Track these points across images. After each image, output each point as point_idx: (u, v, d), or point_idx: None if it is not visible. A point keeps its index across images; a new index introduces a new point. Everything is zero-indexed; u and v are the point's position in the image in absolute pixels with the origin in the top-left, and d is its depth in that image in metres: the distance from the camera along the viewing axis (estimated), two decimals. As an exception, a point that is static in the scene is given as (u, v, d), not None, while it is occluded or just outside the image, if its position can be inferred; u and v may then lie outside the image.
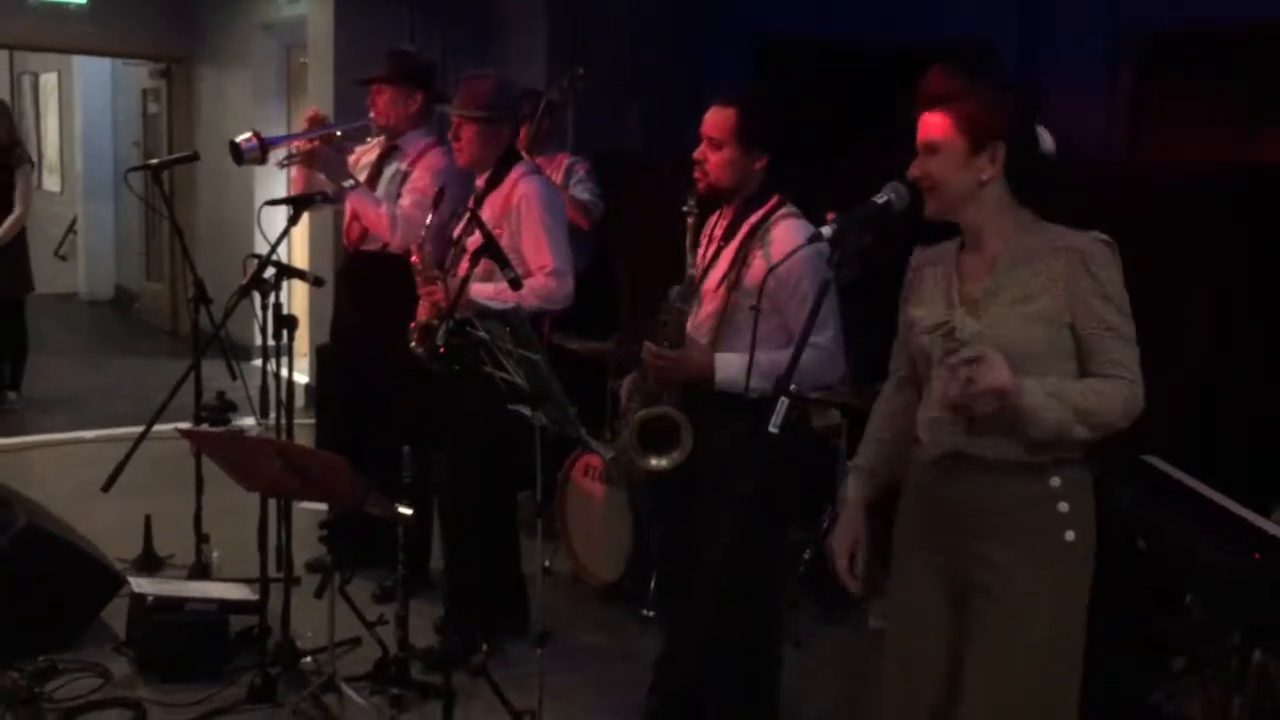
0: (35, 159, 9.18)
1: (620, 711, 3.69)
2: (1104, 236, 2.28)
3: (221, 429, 4.55)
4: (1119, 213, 3.08)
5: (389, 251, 4.26)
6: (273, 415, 3.79)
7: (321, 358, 5.52)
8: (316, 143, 4.31)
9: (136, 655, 3.84)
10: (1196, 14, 5.09)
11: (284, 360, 3.74)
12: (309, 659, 3.81)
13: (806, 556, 4.64)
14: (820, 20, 6.16)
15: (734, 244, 3.03)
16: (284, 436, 3.72)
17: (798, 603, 4.35)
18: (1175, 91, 5.29)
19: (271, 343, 3.72)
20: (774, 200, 3.04)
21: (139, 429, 3.65)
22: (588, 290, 4.13)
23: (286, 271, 3.79)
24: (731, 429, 2.85)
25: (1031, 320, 2.25)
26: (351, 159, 4.53)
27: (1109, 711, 3.50)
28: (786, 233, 2.95)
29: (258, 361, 3.84)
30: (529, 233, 3.81)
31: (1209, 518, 2.90)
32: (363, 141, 4.58)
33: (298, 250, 7.53)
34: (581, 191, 5.23)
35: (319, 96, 6.74)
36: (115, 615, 4.03)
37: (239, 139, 4.19)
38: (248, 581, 4.03)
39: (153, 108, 10.45)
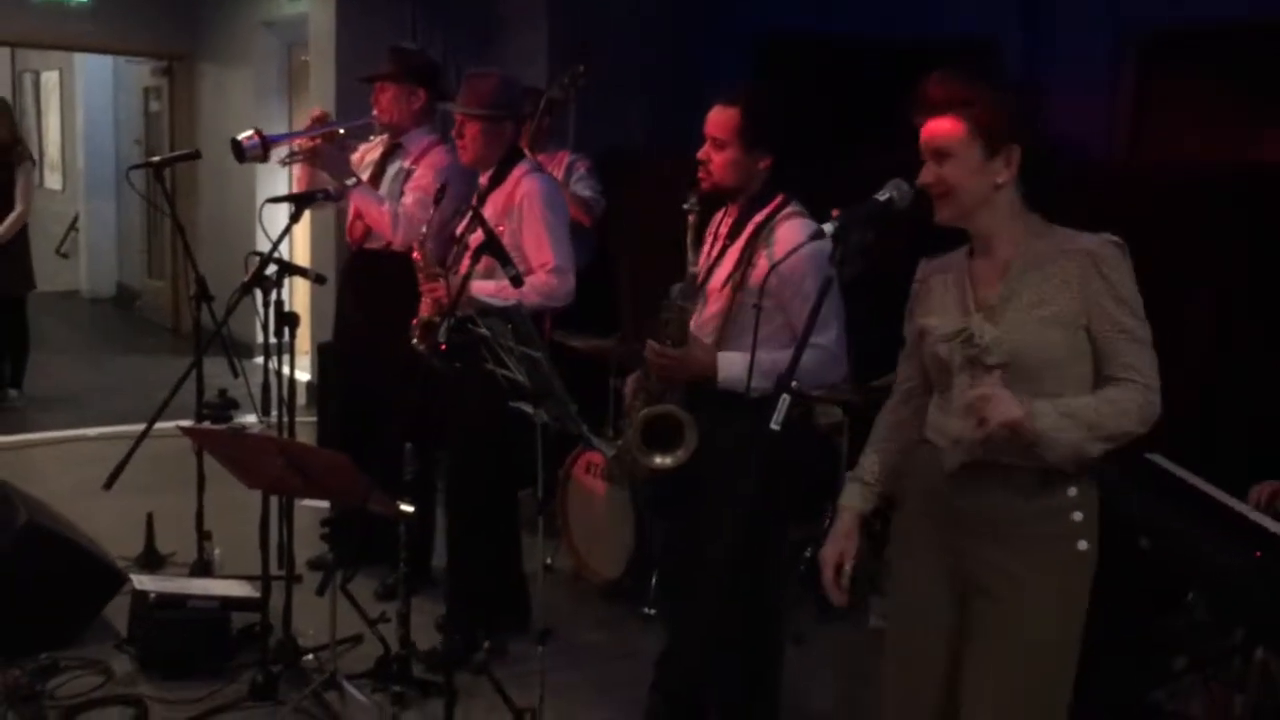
0: (37, 157, 9.19)
1: (621, 709, 3.69)
2: (1114, 238, 2.27)
3: (223, 426, 4.55)
4: (1119, 213, 3.07)
5: (392, 249, 4.26)
6: (274, 413, 3.78)
7: (323, 355, 5.53)
8: (319, 140, 4.31)
9: (138, 653, 3.85)
10: (1198, 12, 5.09)
11: (286, 358, 3.74)
12: (311, 656, 3.81)
13: (808, 555, 4.64)
14: (821, 18, 6.15)
15: (739, 243, 3.03)
16: (286, 434, 3.72)
17: (799, 601, 4.35)
18: (1177, 90, 5.29)
19: (273, 340, 3.72)
20: (779, 199, 3.04)
21: (141, 427, 3.65)
22: (589, 287, 4.13)
23: (288, 269, 3.79)
24: (734, 428, 2.85)
25: (1048, 324, 2.24)
26: (355, 157, 4.53)
27: (1111, 710, 3.50)
28: (791, 232, 2.94)
29: (259, 359, 3.84)
30: (531, 230, 3.81)
31: (1211, 516, 2.90)
32: (366, 139, 4.58)
33: (299, 248, 7.54)
34: (583, 189, 5.23)
35: (320, 94, 6.74)
36: (117, 613, 4.03)
37: (241, 136, 4.19)
38: (249, 579, 4.03)
39: (154, 105, 10.45)
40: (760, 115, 2.99)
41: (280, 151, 4.38)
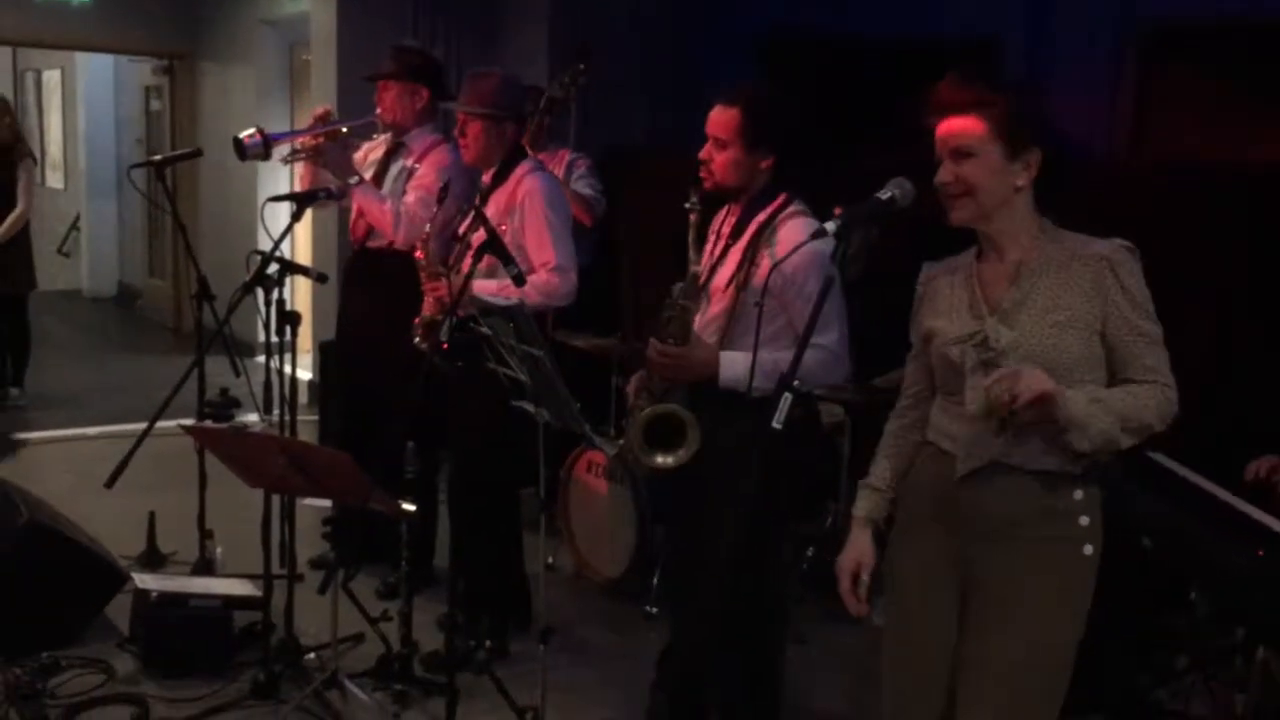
0: (38, 156, 9.19)
1: (623, 708, 3.69)
2: (1126, 243, 2.27)
3: (225, 425, 4.55)
4: (1119, 212, 3.07)
5: (394, 248, 4.26)
6: (276, 412, 3.79)
7: (325, 354, 5.52)
8: (321, 139, 4.31)
9: (140, 651, 3.85)
10: (1201, 10, 5.08)
11: (287, 356, 3.74)
12: (312, 655, 3.82)
13: (810, 554, 4.64)
14: (822, 17, 6.15)
15: (742, 243, 3.02)
16: (287, 433, 3.72)
17: (801, 600, 4.35)
18: (1178, 89, 5.28)
19: (275, 339, 3.72)
20: (781, 199, 3.03)
21: (142, 425, 3.65)
22: (591, 287, 4.13)
23: (289, 268, 3.79)
24: (736, 428, 2.85)
25: (1063, 329, 2.23)
26: (359, 155, 4.53)
27: (1113, 709, 3.50)
28: (793, 232, 2.94)
29: (261, 358, 3.84)
30: (533, 229, 3.81)
31: (1213, 515, 2.90)
32: (370, 138, 4.59)
33: (301, 246, 7.54)
34: (584, 187, 5.23)
35: (322, 93, 6.74)
36: (119, 611, 4.03)
37: (242, 135, 4.18)
38: (251, 578, 4.03)
39: (156, 104, 10.45)
40: (761, 115, 2.98)
41: (282, 150, 4.37)
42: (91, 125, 11.37)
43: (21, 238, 7.10)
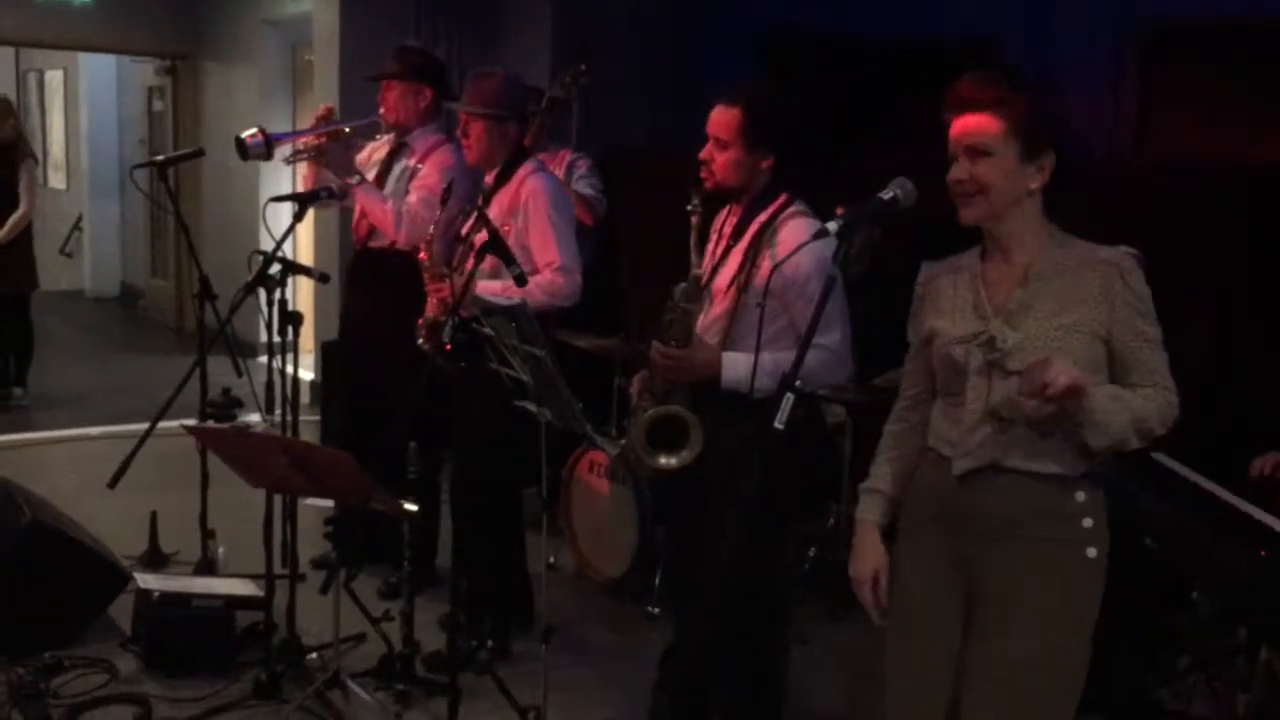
0: (41, 156, 9.19)
1: (625, 708, 3.70)
2: (1133, 250, 2.27)
3: (227, 425, 4.56)
4: (1119, 212, 3.07)
5: (396, 248, 4.27)
6: (278, 412, 3.79)
7: (326, 354, 5.53)
8: (323, 139, 4.32)
9: (142, 651, 3.85)
10: (1200, 10, 5.08)
11: (289, 357, 3.75)
12: (314, 655, 3.82)
13: (812, 554, 4.64)
14: (822, 16, 6.14)
15: (743, 243, 3.02)
16: (289, 433, 3.72)
17: (803, 600, 4.34)
18: (1180, 89, 5.28)
19: (277, 339, 3.72)
20: (782, 199, 3.03)
21: (145, 425, 3.66)
22: (592, 286, 4.13)
23: (292, 268, 3.79)
24: (738, 429, 2.85)
25: (1068, 332, 2.23)
26: (362, 156, 4.53)
27: (1116, 709, 3.50)
28: (794, 232, 2.93)
29: (263, 358, 3.85)
30: (536, 229, 3.82)
31: (1216, 515, 2.90)
32: (373, 138, 4.59)
33: (303, 247, 7.54)
34: (584, 187, 5.23)
35: (324, 92, 6.75)
36: (121, 611, 4.03)
37: (244, 135, 4.18)
38: (253, 578, 4.04)
39: (158, 105, 10.46)
40: (762, 115, 2.97)
41: (284, 150, 4.38)
42: (94, 125, 11.38)
43: (24, 238, 7.12)
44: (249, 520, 4.03)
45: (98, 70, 11.18)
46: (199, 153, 5.24)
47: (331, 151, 4.27)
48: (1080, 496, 2.27)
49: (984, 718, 2.32)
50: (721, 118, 2.99)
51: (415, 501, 3.33)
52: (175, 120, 9.87)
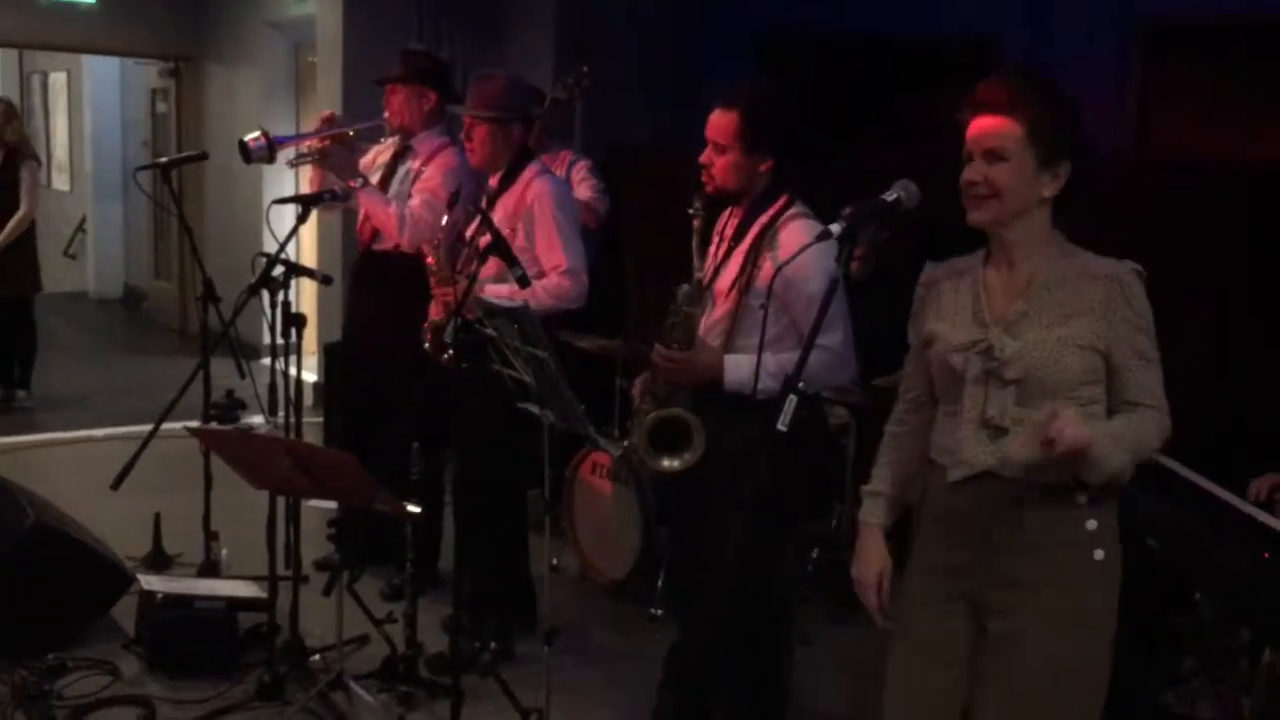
0: (44, 158, 9.20)
1: (628, 709, 3.69)
2: (1137, 266, 2.25)
3: (230, 427, 4.56)
4: (1118, 211, 3.07)
5: (400, 251, 4.27)
6: (281, 413, 3.80)
7: (330, 356, 5.53)
8: (327, 142, 4.32)
9: (145, 653, 3.85)
10: (1199, 9, 5.08)
11: (292, 358, 3.75)
12: (317, 657, 3.82)
13: (815, 555, 4.64)
14: (820, 14, 6.14)
15: (744, 245, 3.02)
16: (292, 435, 3.72)
17: (807, 601, 4.34)
18: (1181, 87, 5.27)
19: (280, 341, 3.73)
20: (783, 200, 3.03)
21: (148, 427, 3.66)
22: (595, 287, 4.13)
23: (295, 270, 3.79)
24: (741, 430, 2.85)
25: (1066, 344, 2.21)
26: (367, 159, 4.54)
27: (1119, 711, 3.49)
28: (794, 234, 2.93)
29: (266, 360, 3.85)
30: (542, 232, 3.82)
31: (1219, 517, 2.90)
32: (378, 141, 4.59)
33: (306, 249, 7.54)
34: (586, 189, 5.23)
35: (328, 95, 6.75)
36: (124, 613, 4.04)
37: (247, 138, 4.19)
38: (256, 579, 4.03)
39: (161, 107, 10.47)
40: (760, 118, 2.97)
41: (287, 153, 4.38)
42: (97, 127, 11.39)
43: (26, 240, 7.12)
44: (252, 522, 4.03)
45: (101, 72, 11.19)
46: (203, 156, 5.25)
47: (335, 154, 4.28)
48: (1081, 499, 2.25)
49: None
50: (719, 121, 2.99)
51: (418, 503, 3.33)
52: (179, 122, 9.88)
